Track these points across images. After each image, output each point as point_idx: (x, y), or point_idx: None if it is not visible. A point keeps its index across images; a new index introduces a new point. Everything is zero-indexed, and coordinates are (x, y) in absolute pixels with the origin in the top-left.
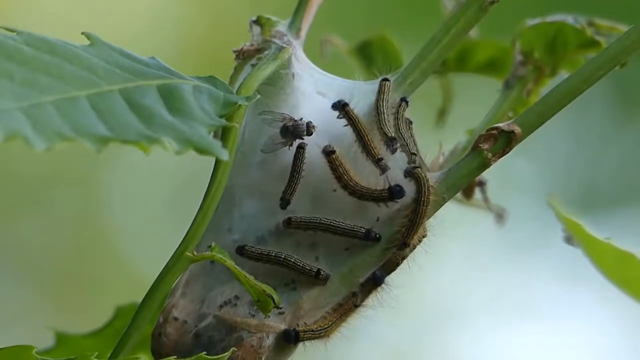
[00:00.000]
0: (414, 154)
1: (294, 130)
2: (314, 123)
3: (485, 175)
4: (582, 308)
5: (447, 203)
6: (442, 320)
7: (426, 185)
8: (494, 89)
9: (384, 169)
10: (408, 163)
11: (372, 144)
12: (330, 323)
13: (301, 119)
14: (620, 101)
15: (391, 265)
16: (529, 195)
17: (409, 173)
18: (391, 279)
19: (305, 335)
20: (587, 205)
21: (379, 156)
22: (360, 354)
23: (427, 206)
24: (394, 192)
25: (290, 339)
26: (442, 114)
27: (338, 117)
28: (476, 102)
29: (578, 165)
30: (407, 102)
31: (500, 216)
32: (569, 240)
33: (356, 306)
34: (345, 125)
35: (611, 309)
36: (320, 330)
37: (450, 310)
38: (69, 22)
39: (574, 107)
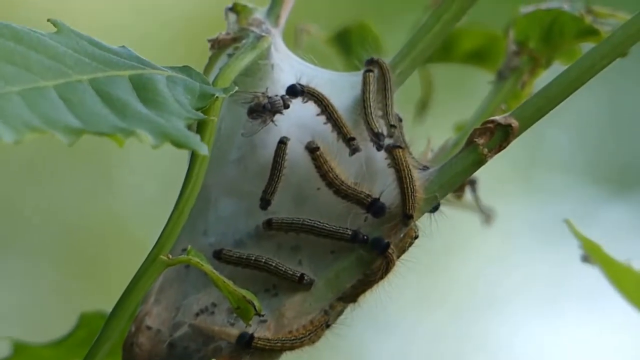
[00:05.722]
0: (393, 125)
1: (271, 107)
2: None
3: (515, 148)
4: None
5: None
6: (475, 309)
7: (400, 155)
8: (484, 80)
9: (354, 150)
10: (386, 135)
11: (342, 121)
12: (293, 338)
13: (276, 95)
14: None
15: (402, 248)
16: (562, 172)
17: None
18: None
19: (258, 342)
20: (620, 181)
21: (351, 135)
22: (394, 343)
23: (408, 167)
24: (373, 208)
25: (242, 341)
26: (422, 107)
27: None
28: (464, 94)
29: (613, 141)
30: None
31: (488, 217)
32: (586, 259)
33: (328, 326)
34: (306, 101)
35: None
36: (277, 341)
37: (483, 299)
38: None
39: (610, 81)
